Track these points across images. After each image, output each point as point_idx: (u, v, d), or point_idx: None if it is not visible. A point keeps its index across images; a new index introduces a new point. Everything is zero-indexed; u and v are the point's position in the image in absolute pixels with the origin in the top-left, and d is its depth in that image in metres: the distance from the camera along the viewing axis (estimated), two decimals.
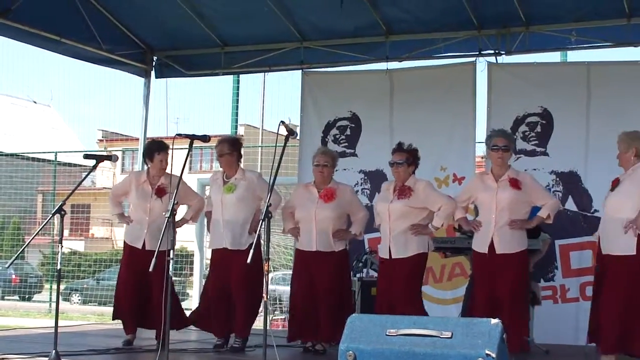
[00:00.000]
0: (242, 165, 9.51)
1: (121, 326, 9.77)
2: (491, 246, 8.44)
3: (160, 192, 9.41)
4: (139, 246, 9.42)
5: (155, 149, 9.52)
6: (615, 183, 8.27)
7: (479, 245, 8.57)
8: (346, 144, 12.08)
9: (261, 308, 8.83)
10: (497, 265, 8.38)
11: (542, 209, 8.52)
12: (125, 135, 42.25)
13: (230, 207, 9.24)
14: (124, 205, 9.95)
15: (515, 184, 8.44)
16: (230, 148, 9.41)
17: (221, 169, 9.54)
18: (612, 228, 8.16)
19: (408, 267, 8.68)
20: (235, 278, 9.13)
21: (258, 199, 9.29)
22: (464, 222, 8.85)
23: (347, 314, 8.94)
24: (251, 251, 7.19)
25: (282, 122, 7.34)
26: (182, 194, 9.30)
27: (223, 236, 9.25)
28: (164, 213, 8.00)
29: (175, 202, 7.76)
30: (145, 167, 9.73)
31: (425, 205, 8.75)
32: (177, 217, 9.59)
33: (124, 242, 9.75)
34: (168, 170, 9.41)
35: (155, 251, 7.50)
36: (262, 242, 7.79)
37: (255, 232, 8.99)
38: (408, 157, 8.82)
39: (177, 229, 9.59)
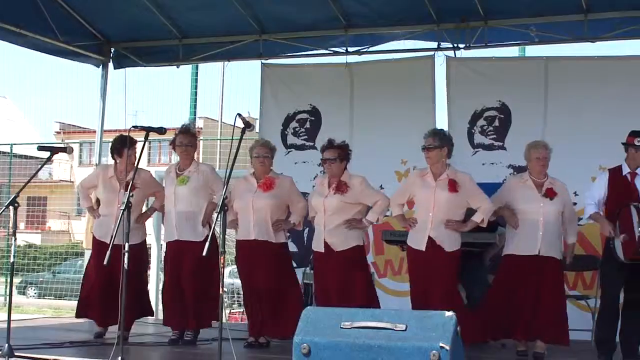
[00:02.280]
0: (200, 158, 9.49)
1: (77, 320, 9.71)
2: (428, 244, 8.50)
3: (128, 187, 9.36)
4: (108, 241, 9.37)
5: (125, 144, 9.44)
6: (552, 194, 8.56)
7: (416, 242, 8.62)
8: (306, 137, 12.08)
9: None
10: (432, 263, 8.44)
11: (477, 213, 8.58)
12: (83, 128, 41.85)
13: (183, 199, 9.21)
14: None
15: (453, 184, 8.49)
16: (193, 140, 9.43)
17: (174, 162, 9.51)
18: (553, 233, 8.52)
19: (345, 259, 8.75)
20: (188, 270, 9.11)
21: (211, 191, 9.28)
22: (400, 219, 8.90)
23: (291, 307, 8.96)
24: (207, 244, 7.13)
25: (239, 114, 7.31)
26: (148, 186, 9.31)
27: (174, 228, 9.23)
28: (118, 206, 7.93)
29: (131, 194, 7.68)
30: (113, 162, 9.68)
31: (361, 200, 8.84)
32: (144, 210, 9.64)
33: (93, 236, 9.71)
34: None
35: (122, 245, 7.42)
36: (217, 234, 7.74)
37: (208, 225, 9.05)
38: (340, 153, 8.88)
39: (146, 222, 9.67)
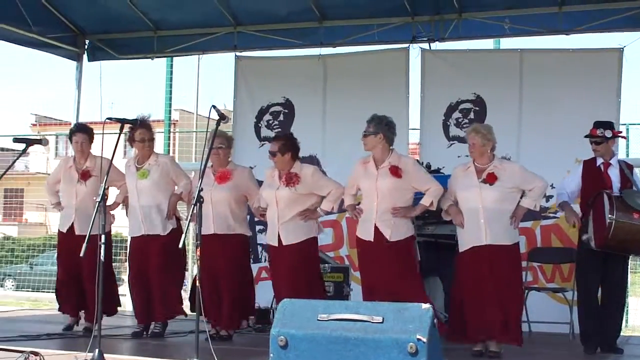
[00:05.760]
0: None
1: (55, 312, 9.73)
2: (376, 234, 8.26)
3: (84, 176, 9.39)
4: (70, 232, 9.38)
5: (72, 131, 9.53)
6: (493, 178, 8.17)
7: (363, 233, 8.40)
8: (279, 129, 12.02)
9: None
10: (380, 251, 8.21)
11: (425, 196, 8.33)
12: (59, 120, 41.71)
13: (146, 193, 9.15)
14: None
15: (395, 171, 8.25)
16: (152, 134, 9.33)
17: (134, 155, 9.45)
18: (497, 219, 8.13)
19: (298, 253, 8.62)
20: (154, 263, 9.12)
21: (172, 183, 9.25)
22: (350, 209, 8.68)
23: (248, 301, 8.92)
24: (183, 235, 7.12)
25: (214, 106, 7.26)
26: (112, 177, 9.24)
27: (141, 223, 9.18)
28: (94, 198, 7.89)
29: (107, 186, 7.66)
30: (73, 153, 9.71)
31: (314, 190, 8.67)
32: (109, 202, 9.58)
33: (58, 230, 9.74)
34: (99, 154, 9.14)
35: (85, 235, 7.38)
36: (183, 226, 7.69)
37: (175, 217, 9.03)
38: (281, 145, 8.70)
39: (113, 213, 9.62)
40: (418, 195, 8.43)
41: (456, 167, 8.68)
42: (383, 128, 8.37)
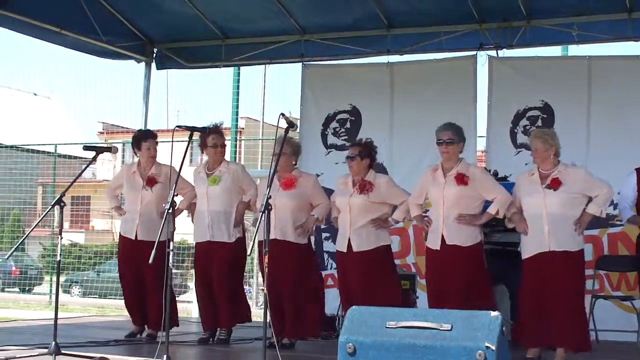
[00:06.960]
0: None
1: (121, 318, 9.82)
2: (442, 241, 8.21)
3: (150, 182, 9.43)
4: (132, 237, 9.44)
5: (142, 137, 9.59)
6: (557, 184, 8.00)
7: (432, 242, 8.36)
8: (346, 137, 12.05)
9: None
10: (447, 259, 8.17)
11: (492, 204, 8.25)
12: (126, 128, 42.13)
13: (216, 199, 9.16)
14: (120, 198, 9.97)
15: (462, 179, 8.19)
16: (224, 140, 9.39)
17: (204, 162, 9.51)
18: (562, 225, 7.97)
19: (371, 260, 8.64)
20: (218, 270, 9.11)
21: (241, 190, 9.27)
22: (418, 220, 8.66)
23: (312, 309, 8.87)
24: (250, 243, 7.14)
25: (282, 114, 7.30)
26: (179, 185, 9.31)
27: (208, 228, 9.18)
28: (163, 205, 7.94)
29: (176, 193, 7.71)
30: (136, 159, 9.79)
31: (387, 200, 8.73)
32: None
33: (119, 234, 9.80)
34: (167, 162, 9.12)
35: (147, 241, 7.43)
36: (247, 234, 7.67)
37: (240, 225, 9.04)
38: (361, 150, 8.77)
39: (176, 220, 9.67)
40: (489, 204, 8.38)
41: (521, 173, 8.57)
42: (462, 137, 8.43)
